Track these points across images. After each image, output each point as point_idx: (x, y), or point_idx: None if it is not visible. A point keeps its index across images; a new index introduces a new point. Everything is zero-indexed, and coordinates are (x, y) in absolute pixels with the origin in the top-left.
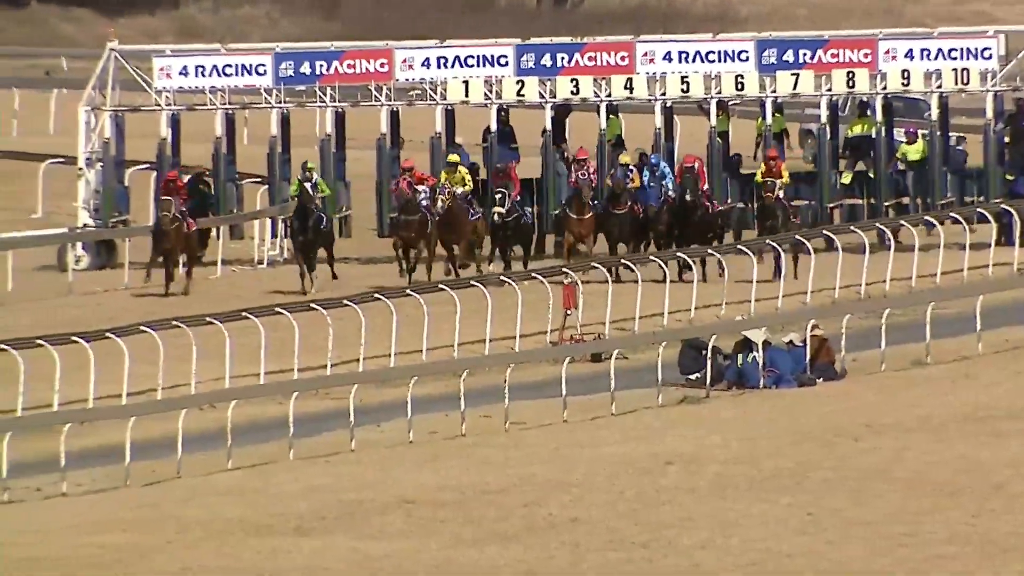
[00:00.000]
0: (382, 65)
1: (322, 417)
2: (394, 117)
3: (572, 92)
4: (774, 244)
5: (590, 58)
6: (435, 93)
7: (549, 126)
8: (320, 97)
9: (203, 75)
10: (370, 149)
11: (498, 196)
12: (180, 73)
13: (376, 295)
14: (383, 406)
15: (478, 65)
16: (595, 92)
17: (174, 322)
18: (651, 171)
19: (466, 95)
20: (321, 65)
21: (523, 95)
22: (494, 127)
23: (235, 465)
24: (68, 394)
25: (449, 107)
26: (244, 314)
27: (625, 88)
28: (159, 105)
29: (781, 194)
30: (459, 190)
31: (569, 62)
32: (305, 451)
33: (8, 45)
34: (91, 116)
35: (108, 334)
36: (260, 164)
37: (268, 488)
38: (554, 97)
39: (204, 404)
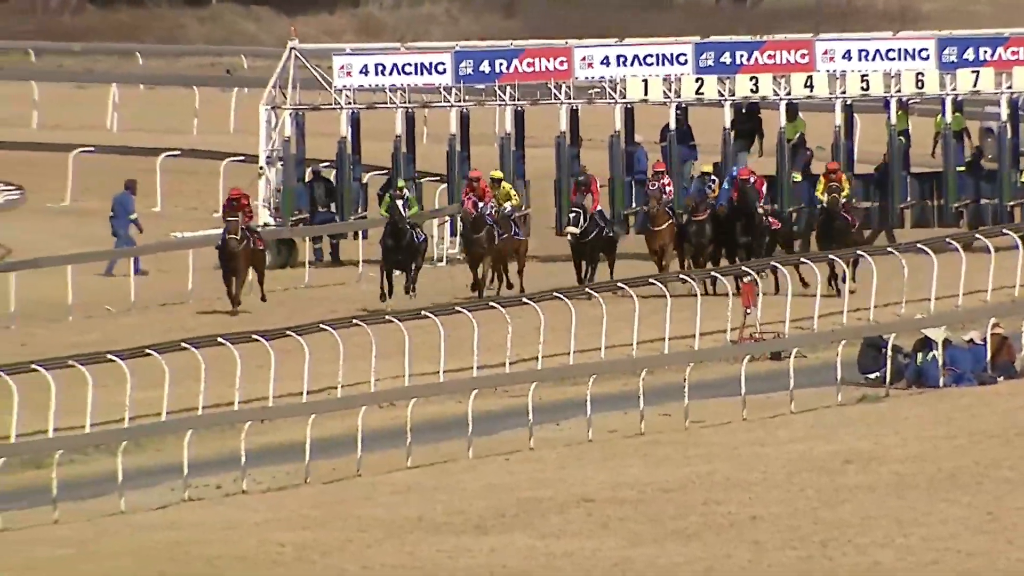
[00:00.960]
0: (561, 63)
1: (501, 415)
2: (573, 115)
3: (752, 90)
4: (836, 258)
5: (769, 56)
6: (614, 91)
7: (728, 124)
8: (499, 95)
9: (383, 74)
10: (549, 147)
11: (572, 215)
12: (360, 72)
13: (555, 294)
14: (562, 404)
15: (657, 63)
16: (774, 90)
17: (354, 320)
18: (732, 182)
19: (645, 93)
20: (501, 63)
21: (702, 93)
22: (673, 125)
23: (414, 463)
24: (249, 392)
25: (628, 105)
26: (424, 312)
27: (805, 86)
28: (339, 104)
29: (842, 206)
30: (507, 206)
31: (748, 60)
32: (484, 449)
33: (189, 43)
34: (271, 114)
35: (288, 332)
36: (439, 163)
37: (447, 486)
38: (733, 95)
39: (384, 402)
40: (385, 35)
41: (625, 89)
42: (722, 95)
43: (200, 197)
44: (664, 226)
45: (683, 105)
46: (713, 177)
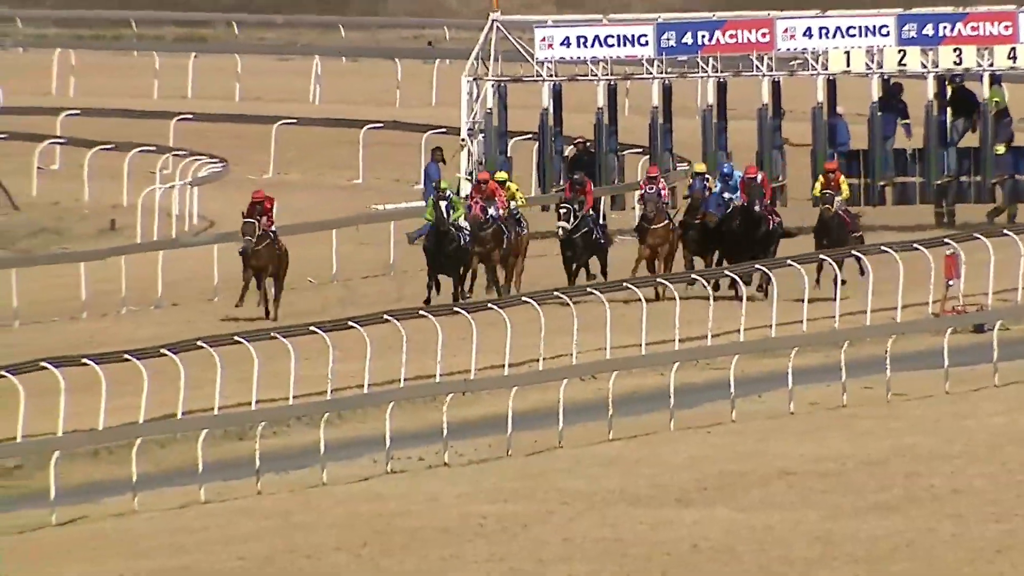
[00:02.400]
0: (763, 35)
1: (702, 388)
2: (775, 87)
3: (955, 62)
4: (828, 259)
5: (972, 27)
6: (816, 63)
7: (931, 96)
8: (701, 67)
9: (585, 46)
10: (751, 119)
11: (562, 211)
12: (562, 44)
13: (757, 267)
14: (763, 376)
15: (859, 35)
16: (978, 62)
17: (555, 293)
18: (724, 180)
19: (847, 65)
20: (703, 35)
21: (905, 64)
22: (875, 97)
23: (616, 436)
24: (451, 365)
25: (831, 77)
26: (626, 284)
27: (1008, 58)
28: (541, 76)
29: (840, 209)
30: (513, 205)
31: (951, 31)
32: (686, 422)
33: (391, 16)
34: (473, 87)
35: (490, 305)
36: (642, 135)
37: (649, 459)
38: (936, 67)
39: (585, 375)
40: (586, 7)
41: (827, 61)
42: (924, 67)
43: (402, 169)
44: (660, 226)
45: (886, 77)
46: (707, 176)
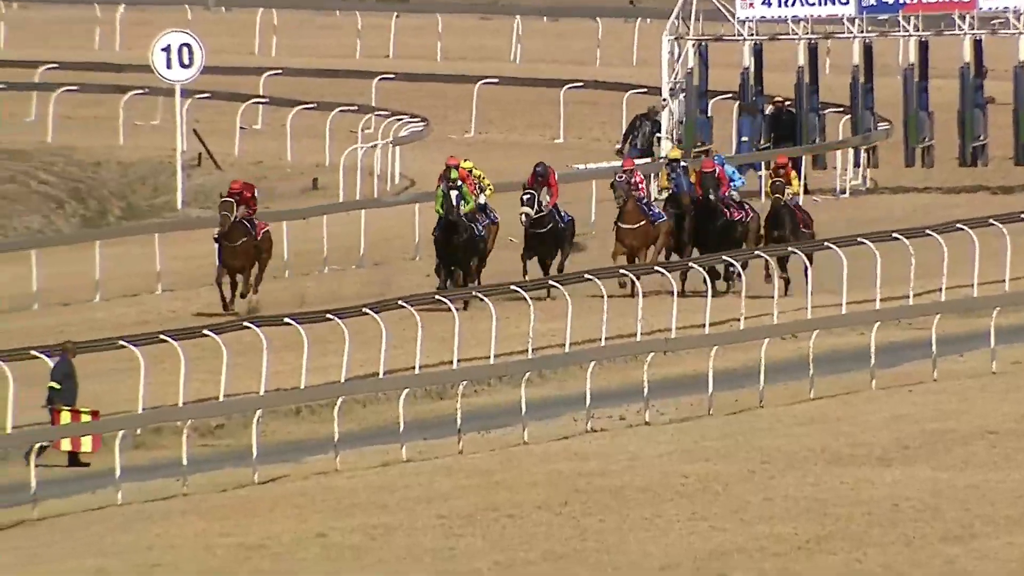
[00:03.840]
0: None
1: (904, 347)
2: (977, 46)
3: None
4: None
5: None
6: (1019, 21)
7: None
8: (903, 26)
9: (786, 5)
10: (953, 78)
11: (526, 196)
12: (763, 3)
13: (959, 225)
14: (965, 336)
15: None
16: None
17: (756, 252)
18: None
19: None
20: None
21: None
22: None
23: (817, 395)
24: (651, 324)
25: None
26: (826, 244)
27: None
28: (741, 35)
29: (791, 201)
30: (482, 198)
31: None
32: (887, 381)
33: None
34: (674, 46)
35: (691, 264)
36: (842, 94)
37: (850, 418)
38: None
39: (786, 334)
40: None
41: None
42: None
43: (602, 129)
44: (638, 226)
45: None
46: (684, 164)
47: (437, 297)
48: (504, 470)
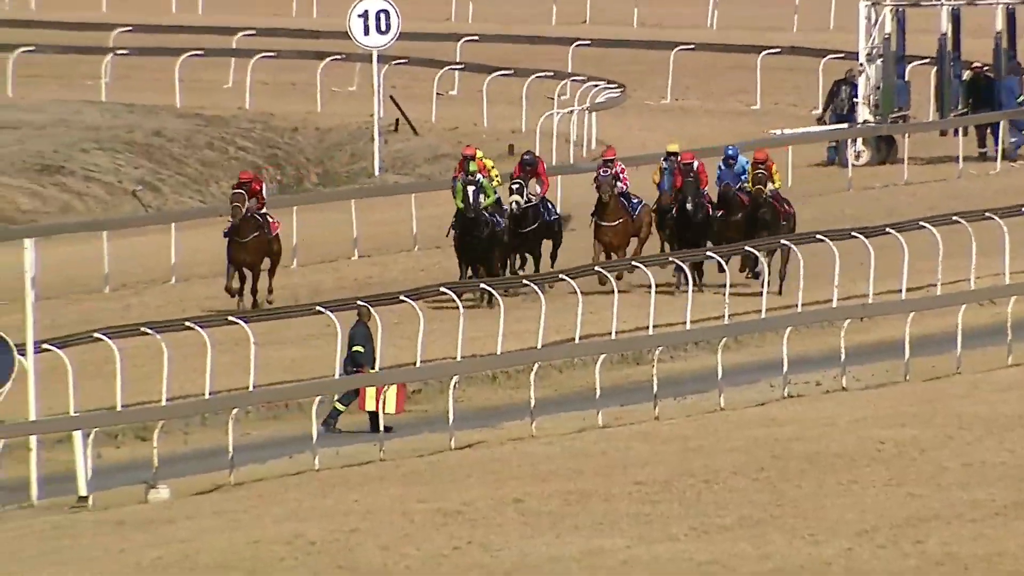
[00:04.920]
0: None
1: None
2: None
3: None
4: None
5: None
6: None
7: None
8: None
9: None
10: None
11: (514, 186)
12: None
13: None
14: None
15: None
16: None
17: (954, 217)
18: (727, 163)
19: None
20: None
21: None
22: None
23: (1015, 361)
24: (847, 290)
25: None
26: (1022, 209)
27: None
28: (939, 0)
29: (769, 194)
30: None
31: None
32: None
33: None
34: (871, 11)
35: (888, 230)
36: None
37: None
38: None
39: (983, 300)
40: None
41: None
42: None
43: (799, 94)
44: (617, 223)
45: None
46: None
47: (635, 264)
48: (700, 436)
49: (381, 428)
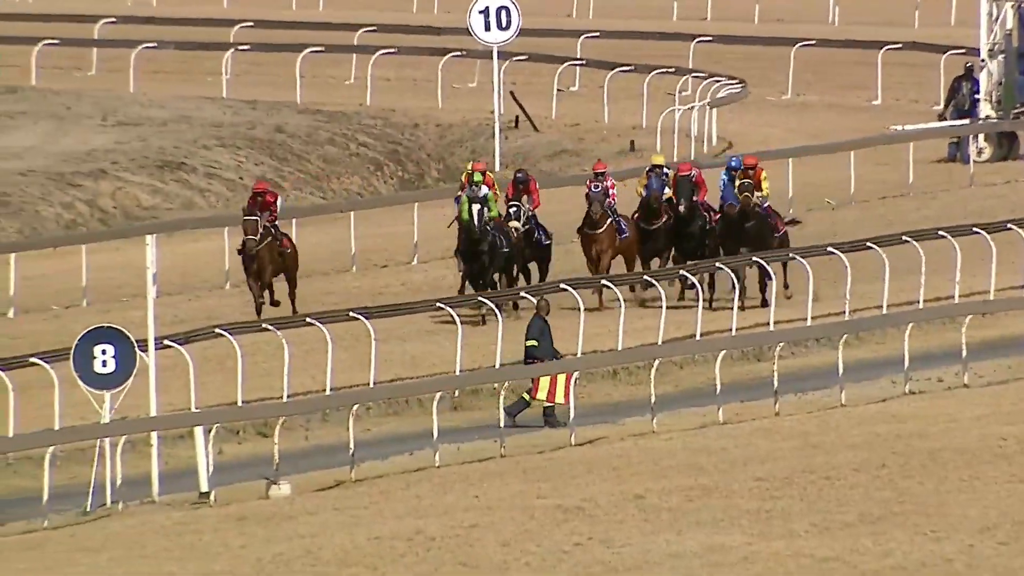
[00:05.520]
0: None
1: None
2: None
3: None
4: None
5: None
6: None
7: None
8: None
9: None
10: None
11: (512, 210)
12: None
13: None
14: None
15: None
16: None
17: None
18: (729, 174)
19: None
20: None
21: None
22: None
23: None
24: (969, 286)
25: None
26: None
27: None
28: None
29: (762, 207)
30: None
31: None
32: None
33: None
34: (993, 7)
35: (975, 230)
36: None
37: None
38: None
39: None
40: None
41: None
42: None
43: (920, 90)
44: (603, 229)
45: None
46: (667, 171)
47: (754, 258)
48: (821, 432)
49: (547, 420)
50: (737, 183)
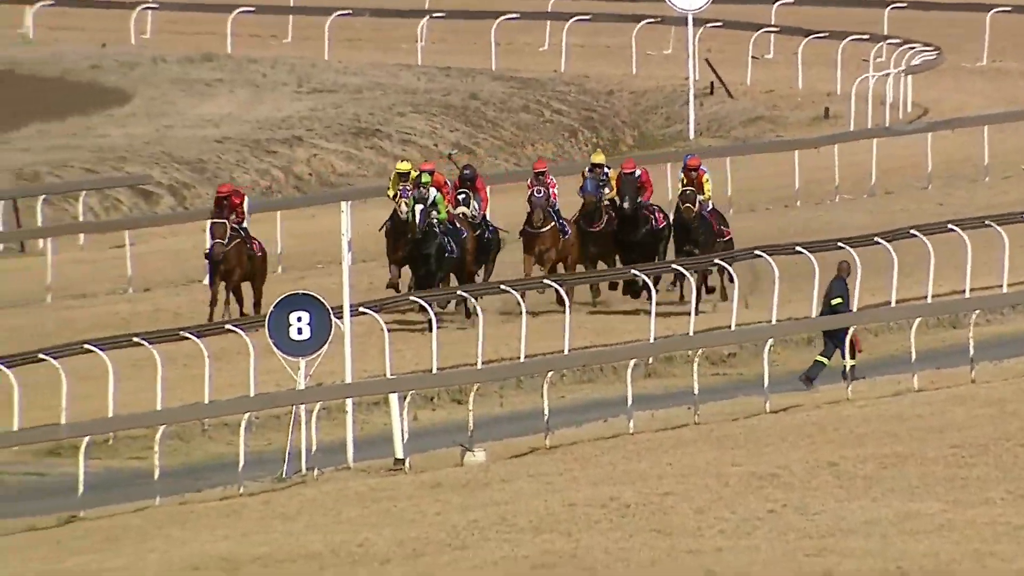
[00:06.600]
0: None
1: None
2: None
3: None
4: (680, 268)
5: None
6: None
7: None
8: None
9: None
10: None
11: (461, 196)
12: None
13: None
14: None
15: None
16: None
17: None
18: (685, 174)
19: None
20: None
21: None
22: None
23: None
24: None
25: None
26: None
27: None
28: None
29: (706, 210)
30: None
31: None
32: None
33: None
34: None
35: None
36: None
37: None
38: None
39: None
40: None
41: None
42: None
43: None
44: (547, 229)
45: None
46: (606, 170)
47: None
48: (1018, 400)
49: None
50: (680, 190)
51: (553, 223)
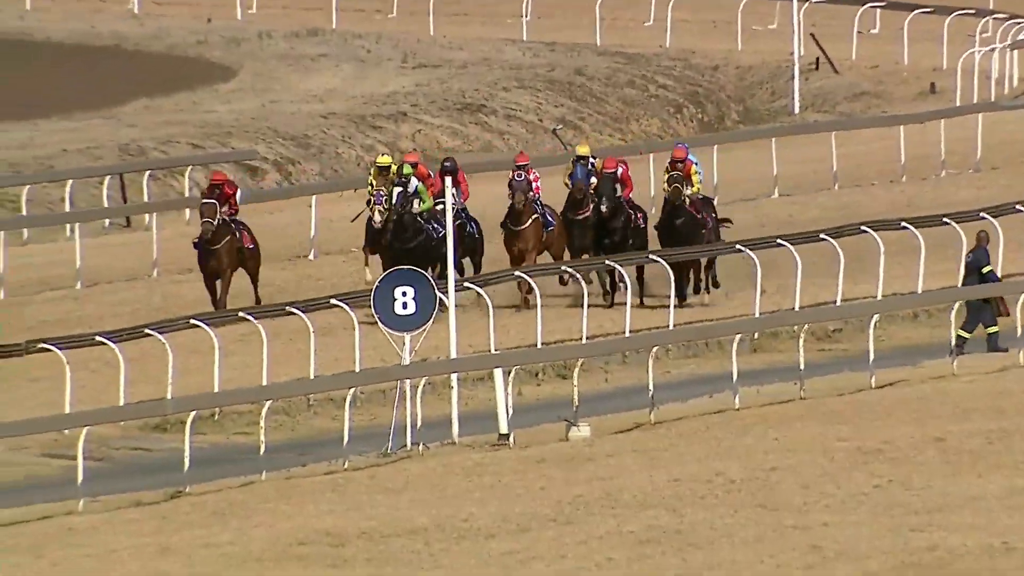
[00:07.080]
0: None
1: None
2: None
3: None
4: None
5: None
6: None
7: None
8: None
9: None
10: None
11: (440, 207)
12: None
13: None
14: None
15: None
16: None
17: None
18: (671, 165)
19: None
20: None
21: None
22: None
23: None
24: None
25: None
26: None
27: None
28: None
29: (688, 203)
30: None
31: None
32: None
33: None
34: None
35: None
36: None
37: None
38: None
39: None
40: None
41: None
42: None
43: None
44: (527, 224)
45: None
46: (593, 161)
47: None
48: None
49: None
50: (666, 175)
51: (535, 215)
